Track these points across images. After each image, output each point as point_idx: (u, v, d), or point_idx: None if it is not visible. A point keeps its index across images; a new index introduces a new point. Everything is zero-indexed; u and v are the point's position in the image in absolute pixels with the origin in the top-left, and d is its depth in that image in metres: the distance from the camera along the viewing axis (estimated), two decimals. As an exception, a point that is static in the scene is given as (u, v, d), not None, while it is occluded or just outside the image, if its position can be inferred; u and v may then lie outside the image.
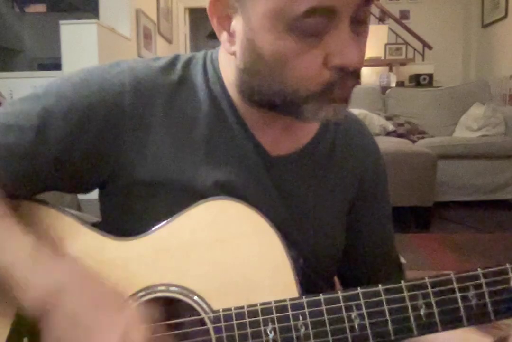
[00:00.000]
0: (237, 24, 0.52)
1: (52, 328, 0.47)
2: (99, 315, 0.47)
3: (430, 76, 5.18)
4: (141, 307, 0.50)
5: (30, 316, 0.49)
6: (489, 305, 0.47)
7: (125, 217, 0.58)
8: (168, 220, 0.55)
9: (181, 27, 6.50)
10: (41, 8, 6.27)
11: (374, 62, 5.57)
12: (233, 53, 0.55)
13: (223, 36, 0.55)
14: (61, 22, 3.58)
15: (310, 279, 0.60)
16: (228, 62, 0.59)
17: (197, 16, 7.20)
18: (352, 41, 0.49)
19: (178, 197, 0.56)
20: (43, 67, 5.45)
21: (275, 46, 0.49)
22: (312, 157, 0.64)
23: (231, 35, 0.54)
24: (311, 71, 0.50)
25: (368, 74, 5.61)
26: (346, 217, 0.68)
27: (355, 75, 0.51)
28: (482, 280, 0.47)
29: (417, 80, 5.15)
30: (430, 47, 5.66)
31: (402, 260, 0.74)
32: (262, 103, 0.56)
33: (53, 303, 0.47)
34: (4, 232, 0.51)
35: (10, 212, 0.53)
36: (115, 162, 0.57)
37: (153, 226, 0.55)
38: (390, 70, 5.65)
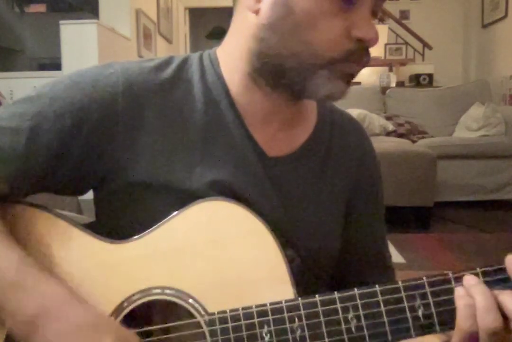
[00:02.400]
0: None
1: None
2: (79, 340, 0.47)
3: (430, 76, 5.18)
4: (122, 328, 0.49)
5: (17, 339, 0.49)
6: None
7: (119, 218, 0.58)
8: (162, 221, 0.55)
9: (181, 27, 6.49)
10: (41, 8, 6.26)
11: (374, 62, 5.56)
12: (256, 11, 0.55)
13: None
14: (61, 22, 3.58)
15: (306, 278, 0.60)
16: (237, 41, 0.58)
17: (197, 16, 7.21)
18: (371, 20, 0.54)
19: (173, 198, 0.56)
20: (43, 67, 5.45)
21: (309, 3, 0.52)
22: (308, 158, 0.64)
23: None
24: (334, 36, 0.52)
25: (368, 74, 5.61)
26: (342, 217, 0.68)
27: (368, 52, 0.55)
28: (481, 279, 0.47)
29: (417, 80, 5.15)
30: (430, 47, 5.66)
31: (401, 259, 0.74)
32: (270, 69, 0.56)
33: (34, 329, 0.47)
34: None
35: None
36: (109, 164, 0.56)
37: (148, 227, 0.55)
38: (390, 70, 5.65)
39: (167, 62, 0.61)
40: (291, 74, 0.55)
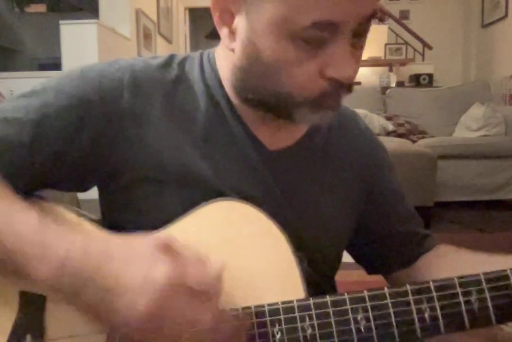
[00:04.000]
0: (240, 22, 0.53)
1: (82, 292, 0.44)
2: (128, 264, 0.44)
3: (430, 76, 5.18)
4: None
5: (40, 292, 0.48)
6: (491, 309, 0.47)
7: (128, 215, 0.58)
8: (174, 220, 0.55)
9: (181, 27, 6.50)
10: (41, 8, 6.26)
11: (374, 62, 5.57)
12: (232, 50, 0.55)
13: (224, 31, 0.55)
14: (61, 22, 3.58)
15: (312, 279, 0.60)
16: (225, 58, 0.59)
17: (197, 16, 7.20)
18: (349, 55, 0.50)
19: (183, 193, 0.56)
20: (43, 67, 5.44)
21: (275, 52, 0.50)
22: (309, 149, 0.64)
23: (232, 32, 0.54)
24: (307, 79, 0.51)
25: (368, 74, 5.61)
26: (359, 207, 0.68)
27: (348, 87, 0.53)
28: (484, 285, 0.48)
29: (417, 80, 5.15)
30: (430, 47, 5.66)
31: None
32: (255, 103, 0.57)
33: (75, 266, 0.44)
34: (7, 210, 0.49)
35: (10, 190, 0.52)
36: (115, 159, 0.56)
37: (158, 223, 0.55)
38: (390, 70, 5.65)
39: (170, 60, 0.62)
40: (275, 109, 0.56)
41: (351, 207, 0.67)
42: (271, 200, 0.59)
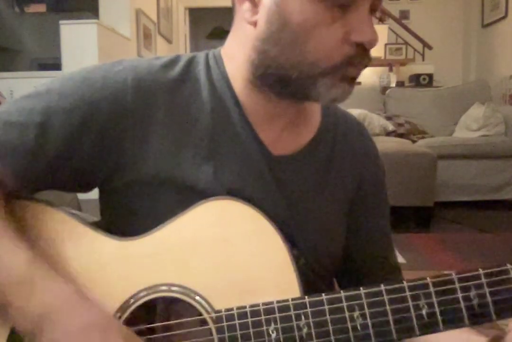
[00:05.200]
0: None
1: None
2: (87, 340, 0.47)
3: (430, 76, 5.17)
4: (128, 329, 0.49)
5: (23, 337, 0.49)
6: (490, 305, 0.47)
7: (126, 216, 0.58)
8: (170, 219, 0.55)
9: (181, 27, 6.49)
10: (41, 8, 6.26)
11: (374, 62, 5.56)
12: (254, 23, 0.55)
13: (245, 5, 0.55)
14: (61, 22, 3.58)
15: (309, 279, 0.60)
16: (240, 43, 0.59)
17: (197, 16, 7.20)
18: (372, 21, 0.53)
19: (180, 195, 0.56)
20: (43, 67, 5.44)
21: (304, 13, 0.51)
22: (313, 157, 0.64)
23: (255, 4, 0.55)
24: (333, 43, 0.52)
25: (368, 74, 5.60)
26: (346, 218, 0.68)
27: (368, 54, 0.54)
28: (484, 280, 0.47)
29: (417, 80, 5.15)
30: (430, 47, 5.66)
31: (402, 260, 0.74)
32: (273, 79, 0.56)
33: (41, 327, 0.47)
34: None
35: (4, 216, 0.53)
36: (117, 160, 0.57)
37: (154, 225, 0.55)
38: (390, 70, 5.64)
39: (175, 60, 0.61)
40: (294, 83, 0.55)
41: (345, 214, 0.67)
42: (270, 203, 0.59)
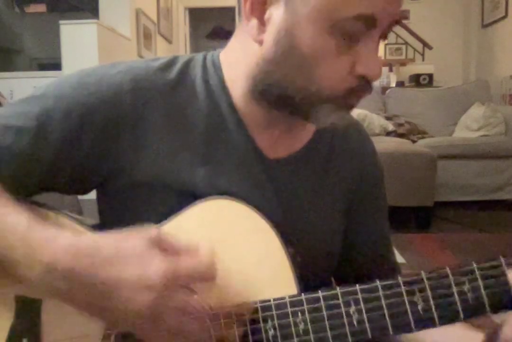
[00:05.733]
0: (276, 12, 0.52)
1: (78, 293, 0.44)
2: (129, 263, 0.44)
3: (430, 76, 5.18)
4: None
5: (35, 296, 0.48)
6: (485, 298, 0.47)
7: (123, 218, 0.58)
8: (166, 220, 0.55)
9: (181, 27, 6.50)
10: (41, 8, 6.27)
11: (374, 62, 5.56)
12: (260, 42, 0.54)
13: (253, 22, 0.54)
14: (61, 22, 3.58)
15: (306, 278, 0.60)
16: (242, 52, 0.58)
17: (197, 16, 7.21)
18: (378, 54, 0.52)
19: (176, 198, 0.56)
20: (43, 67, 5.45)
21: (315, 43, 0.50)
22: (310, 159, 0.64)
23: (263, 23, 0.53)
24: (339, 75, 0.52)
25: (368, 74, 5.61)
26: (344, 217, 0.68)
27: (370, 85, 0.54)
28: (477, 273, 0.48)
29: (417, 80, 5.15)
30: (430, 47, 5.66)
31: (402, 260, 0.74)
32: (274, 98, 0.56)
33: (65, 268, 0.44)
34: None
35: (3, 192, 0.52)
36: (114, 163, 0.56)
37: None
38: (390, 70, 5.65)
39: (172, 62, 0.61)
40: (295, 104, 0.55)
41: (344, 215, 0.67)
42: (266, 205, 0.58)
